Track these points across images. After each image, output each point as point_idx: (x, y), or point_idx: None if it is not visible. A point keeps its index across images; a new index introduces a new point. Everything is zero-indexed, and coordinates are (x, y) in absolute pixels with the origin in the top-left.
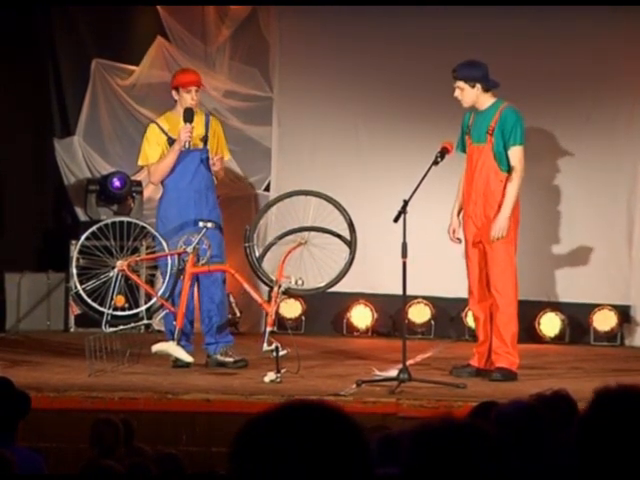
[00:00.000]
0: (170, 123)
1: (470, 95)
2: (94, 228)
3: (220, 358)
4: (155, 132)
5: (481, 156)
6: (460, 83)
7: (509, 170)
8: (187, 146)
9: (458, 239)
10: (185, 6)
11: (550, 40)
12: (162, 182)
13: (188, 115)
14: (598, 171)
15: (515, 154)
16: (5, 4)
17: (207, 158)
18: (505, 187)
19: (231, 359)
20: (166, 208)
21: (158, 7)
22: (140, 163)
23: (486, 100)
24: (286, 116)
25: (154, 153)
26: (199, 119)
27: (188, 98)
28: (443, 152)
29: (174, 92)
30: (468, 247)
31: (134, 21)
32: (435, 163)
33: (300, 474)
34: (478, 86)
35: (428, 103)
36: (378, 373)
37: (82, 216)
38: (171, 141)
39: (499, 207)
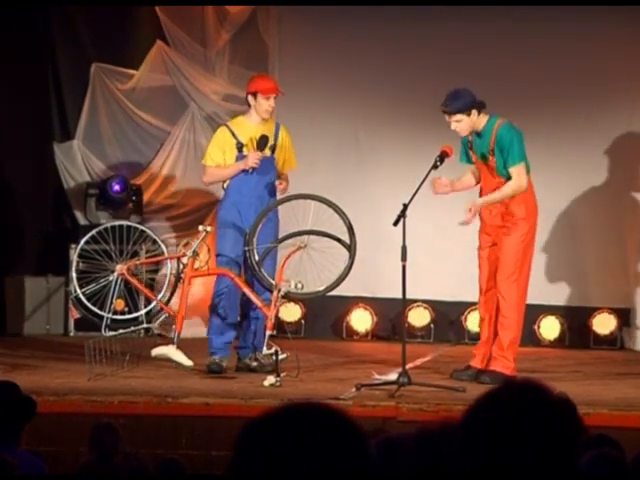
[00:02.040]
0: (241, 128)
1: (468, 123)
2: (94, 232)
3: (249, 362)
4: (224, 134)
5: (486, 172)
6: (457, 116)
7: None
8: (250, 171)
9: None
10: (185, 10)
11: (549, 42)
12: (223, 186)
13: (262, 143)
14: (598, 174)
15: (514, 174)
16: (4, 8)
17: (274, 166)
18: (520, 196)
19: (258, 363)
20: (226, 212)
21: (158, 11)
22: (202, 161)
23: (481, 121)
24: (285, 119)
25: (215, 156)
26: (269, 128)
27: (266, 104)
28: (442, 156)
29: (250, 97)
30: (479, 248)
31: (134, 25)
32: (434, 167)
33: (300, 475)
34: (474, 112)
35: (428, 106)
36: (378, 377)
37: (82, 220)
38: (240, 145)
39: (509, 217)
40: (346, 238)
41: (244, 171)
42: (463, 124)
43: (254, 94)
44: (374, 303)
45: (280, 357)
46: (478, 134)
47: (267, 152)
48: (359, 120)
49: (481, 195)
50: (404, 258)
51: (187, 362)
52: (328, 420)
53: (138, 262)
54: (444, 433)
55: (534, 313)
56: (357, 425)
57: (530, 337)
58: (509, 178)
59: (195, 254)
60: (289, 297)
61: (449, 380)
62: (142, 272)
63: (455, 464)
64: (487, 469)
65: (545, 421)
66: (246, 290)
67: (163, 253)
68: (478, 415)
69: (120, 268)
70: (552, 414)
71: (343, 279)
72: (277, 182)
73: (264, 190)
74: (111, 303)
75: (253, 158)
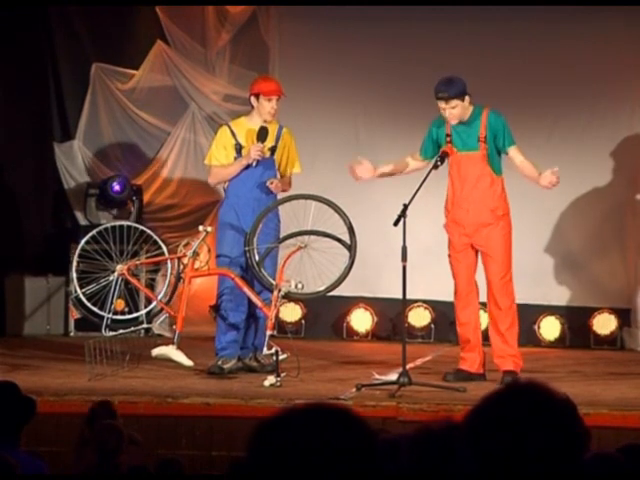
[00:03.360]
0: (242, 129)
1: (462, 109)
2: (94, 232)
3: (250, 362)
4: (225, 134)
5: (472, 163)
6: (454, 102)
7: (500, 172)
8: (254, 164)
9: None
10: (185, 10)
11: (550, 42)
12: (224, 187)
13: (262, 134)
14: (598, 174)
15: (517, 153)
16: (4, 8)
17: (273, 168)
18: (501, 190)
19: (258, 364)
20: (225, 213)
21: (158, 11)
22: (205, 162)
23: (468, 110)
24: (285, 120)
25: (219, 155)
26: (271, 129)
27: (268, 106)
28: (443, 156)
29: (253, 99)
30: (453, 251)
31: (134, 25)
32: (435, 167)
33: (312, 475)
34: (467, 98)
35: (428, 106)
36: (378, 377)
37: (82, 220)
38: (239, 146)
39: (496, 211)
40: (346, 238)
41: (248, 167)
42: (458, 110)
43: (257, 95)
44: (374, 303)
45: (280, 357)
46: (464, 123)
47: (267, 153)
48: (359, 120)
49: (451, 201)
50: (404, 258)
51: (187, 362)
52: (339, 421)
53: (138, 262)
54: (445, 433)
55: (534, 313)
56: (367, 425)
57: (530, 337)
58: (495, 166)
59: (195, 254)
60: (289, 297)
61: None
62: (142, 272)
63: (459, 465)
64: (492, 470)
65: (550, 422)
66: (246, 290)
67: (163, 253)
68: (483, 416)
69: (120, 268)
70: (556, 415)
71: (343, 279)
72: (268, 181)
73: (262, 192)
74: (111, 303)
75: (254, 150)
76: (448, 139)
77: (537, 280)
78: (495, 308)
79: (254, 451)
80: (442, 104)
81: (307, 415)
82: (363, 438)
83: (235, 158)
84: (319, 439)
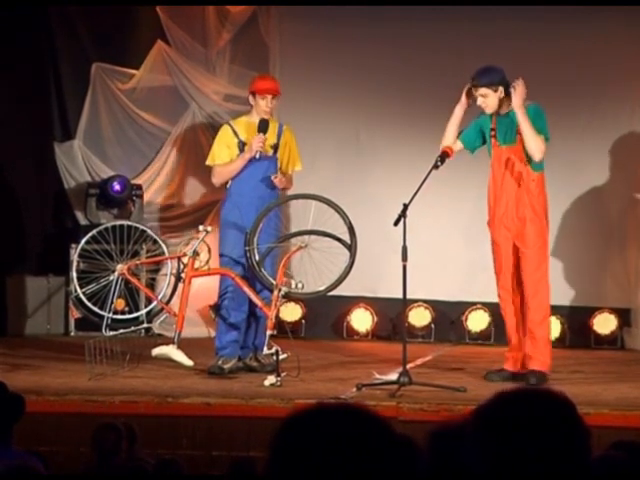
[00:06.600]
0: (243, 127)
1: (494, 100)
2: (94, 232)
3: (250, 362)
4: (227, 133)
5: (511, 157)
6: (483, 90)
7: (538, 169)
8: (258, 156)
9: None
10: (185, 10)
11: (550, 42)
12: (226, 186)
13: (263, 125)
14: (598, 174)
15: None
16: (4, 8)
17: (275, 166)
18: (536, 187)
19: (259, 364)
20: (228, 212)
21: (158, 11)
22: (207, 162)
23: (508, 103)
24: (286, 120)
25: (222, 154)
26: (272, 127)
27: (262, 105)
28: (443, 156)
29: (250, 97)
30: (498, 250)
31: (134, 25)
32: (435, 167)
33: (336, 475)
34: (501, 89)
35: (429, 106)
36: (378, 376)
37: (82, 220)
38: (241, 144)
39: (533, 207)
40: (347, 238)
41: (251, 161)
42: (489, 100)
43: (253, 94)
44: (375, 303)
45: (281, 357)
46: (504, 116)
47: (269, 150)
48: (360, 120)
49: (493, 197)
50: (404, 258)
51: (187, 362)
52: (361, 419)
53: (139, 262)
54: (457, 432)
55: None
56: (387, 424)
57: None
58: (533, 161)
59: (195, 254)
60: (290, 297)
61: (451, 380)
62: (142, 272)
63: (466, 467)
64: (492, 470)
65: (549, 422)
66: (246, 289)
67: (163, 253)
68: (484, 417)
69: (121, 268)
70: (556, 415)
71: (343, 279)
72: (272, 176)
73: (265, 190)
74: (112, 303)
75: (256, 142)
76: (492, 133)
77: None
78: (526, 307)
79: (277, 450)
80: (474, 92)
81: (329, 414)
82: (384, 437)
83: (238, 156)
84: (342, 438)
